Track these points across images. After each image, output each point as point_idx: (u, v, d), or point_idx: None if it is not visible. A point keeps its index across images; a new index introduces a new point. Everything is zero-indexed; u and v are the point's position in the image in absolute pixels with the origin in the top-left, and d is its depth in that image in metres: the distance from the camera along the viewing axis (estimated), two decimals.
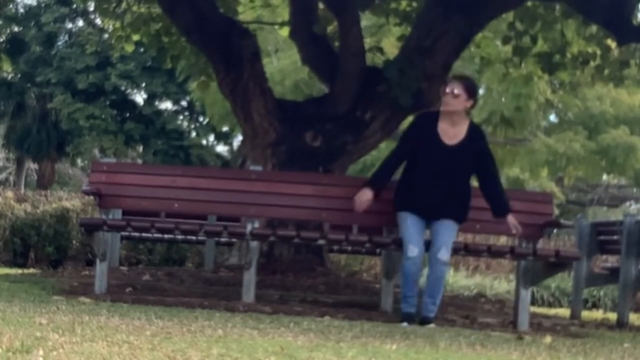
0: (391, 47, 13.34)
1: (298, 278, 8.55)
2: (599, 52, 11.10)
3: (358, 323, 5.86)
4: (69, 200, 14.31)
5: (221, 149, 33.69)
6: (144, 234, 9.64)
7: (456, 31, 9.31)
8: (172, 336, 4.30)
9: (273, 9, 13.88)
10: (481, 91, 20.36)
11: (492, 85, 18.24)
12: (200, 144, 32.11)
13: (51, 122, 31.37)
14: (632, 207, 32.26)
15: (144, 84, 30.46)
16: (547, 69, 11.35)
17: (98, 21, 28.48)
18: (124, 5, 11.52)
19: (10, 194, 15.24)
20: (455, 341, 5.12)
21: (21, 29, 31.73)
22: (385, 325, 5.85)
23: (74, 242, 13.54)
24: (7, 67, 32.12)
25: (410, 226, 6.40)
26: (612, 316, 9.68)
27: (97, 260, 6.82)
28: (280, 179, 7.41)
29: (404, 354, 4.28)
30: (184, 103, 31.40)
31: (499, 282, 13.65)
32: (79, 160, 38.43)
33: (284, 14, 12.51)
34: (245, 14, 12.77)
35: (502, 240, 14.34)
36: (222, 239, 9.84)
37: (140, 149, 33.57)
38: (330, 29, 10.30)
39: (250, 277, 6.70)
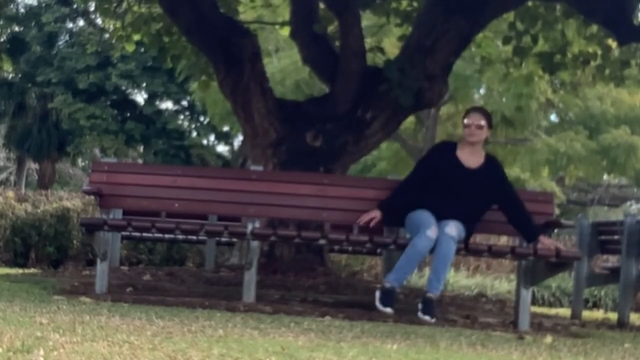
0: (392, 47, 13.36)
1: (299, 278, 8.55)
2: (599, 52, 11.10)
3: (359, 323, 5.86)
4: (70, 200, 14.31)
5: (222, 148, 33.73)
6: (144, 234, 9.64)
7: (457, 31, 9.31)
8: (173, 336, 4.30)
9: (274, 8, 13.89)
10: (482, 91, 20.39)
11: (493, 85, 18.26)
12: (200, 144, 32.12)
13: (52, 122, 31.38)
14: (633, 207, 32.26)
15: (144, 84, 30.47)
16: (547, 68, 11.35)
17: (99, 21, 28.52)
18: (124, 5, 11.52)
19: (11, 193, 15.24)
20: (456, 341, 5.12)
21: (22, 28, 31.74)
22: (386, 325, 5.85)
23: (75, 241, 13.55)
24: (8, 67, 32.13)
25: (427, 215, 6.49)
26: (613, 316, 9.67)
27: (98, 260, 6.82)
28: (280, 179, 7.41)
29: (404, 354, 4.28)
30: (184, 103, 31.41)
31: (500, 282, 13.64)
32: (79, 160, 38.45)
33: (285, 13, 12.51)
34: (245, 14, 12.79)
35: (503, 240, 14.34)
36: (223, 239, 9.84)
37: (141, 148, 33.57)
38: (330, 28, 10.30)
39: (250, 277, 6.70)
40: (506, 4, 9.98)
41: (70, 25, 32.21)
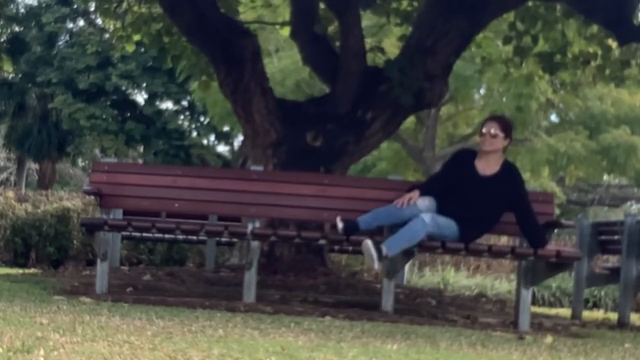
0: (392, 47, 13.36)
1: (299, 278, 8.55)
2: (599, 52, 11.10)
3: (359, 323, 5.86)
4: (70, 200, 14.32)
5: (222, 149, 33.71)
6: (144, 234, 9.65)
7: (457, 31, 9.31)
8: (173, 336, 4.30)
9: (274, 8, 13.89)
10: (482, 91, 20.40)
11: (493, 85, 18.27)
12: (201, 144, 32.10)
13: (52, 122, 31.38)
14: (633, 207, 32.25)
15: (144, 84, 30.46)
16: (548, 69, 11.35)
17: (99, 21, 28.52)
18: (124, 5, 11.52)
19: (11, 194, 15.24)
20: (456, 341, 5.12)
21: (22, 29, 31.73)
22: (386, 326, 5.85)
23: (75, 242, 13.55)
24: (8, 67, 32.13)
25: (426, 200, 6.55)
26: (613, 316, 9.67)
27: (98, 260, 6.82)
28: (281, 179, 7.41)
29: (404, 354, 4.28)
30: (184, 103, 31.40)
31: (500, 282, 13.64)
32: (79, 160, 38.46)
33: (285, 13, 12.51)
34: (246, 14, 12.79)
35: (503, 240, 14.34)
36: (223, 239, 9.85)
37: (141, 149, 33.57)
38: (331, 29, 10.30)
39: (251, 277, 6.70)
40: (506, 4, 9.98)
41: (70, 25, 32.21)
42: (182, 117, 32.27)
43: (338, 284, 8.48)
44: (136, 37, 11.85)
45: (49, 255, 13.39)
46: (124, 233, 9.52)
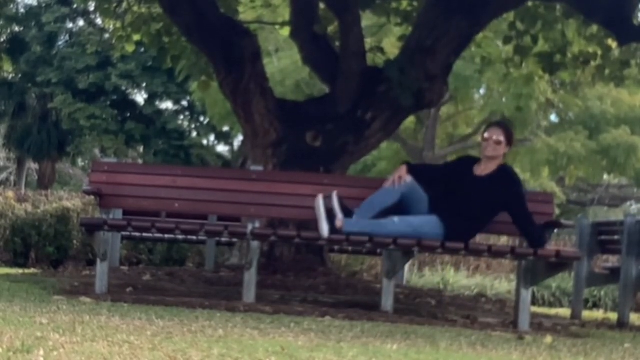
0: (392, 47, 13.35)
1: (299, 278, 8.55)
2: (599, 52, 11.09)
3: (359, 323, 5.86)
4: (70, 200, 14.32)
5: (222, 149, 33.69)
6: (144, 234, 9.64)
7: (457, 31, 9.31)
8: (173, 336, 4.30)
9: (274, 8, 13.89)
10: (482, 91, 20.40)
11: (493, 85, 18.26)
12: (200, 144, 32.09)
13: (52, 122, 31.37)
14: (633, 207, 32.25)
15: (144, 84, 30.45)
16: (548, 69, 11.35)
17: (99, 21, 28.51)
18: (124, 5, 11.52)
19: (10, 193, 15.25)
20: (456, 341, 5.12)
21: (22, 29, 31.72)
22: (386, 326, 5.85)
23: (75, 242, 13.55)
24: (8, 67, 32.12)
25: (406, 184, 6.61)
26: (613, 316, 9.67)
27: (98, 260, 6.81)
28: (281, 179, 7.41)
29: (404, 354, 4.28)
30: (184, 103, 31.39)
31: (500, 282, 13.64)
32: (79, 160, 38.43)
33: (285, 13, 12.51)
34: (245, 14, 12.79)
35: (503, 240, 14.34)
36: (223, 239, 9.84)
37: (141, 149, 33.56)
38: (331, 29, 10.30)
39: (251, 277, 6.69)
40: (506, 4, 9.98)
41: (70, 25, 32.20)
42: (182, 117, 32.27)
43: (338, 284, 8.48)
44: (136, 37, 11.84)
45: (48, 255, 13.39)
46: (123, 233, 9.52)
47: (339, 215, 6.50)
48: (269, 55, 17.56)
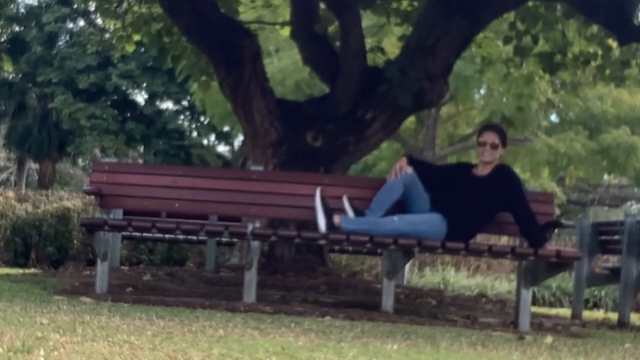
0: (392, 47, 13.35)
1: (299, 278, 8.55)
2: (600, 52, 11.09)
3: (359, 323, 5.86)
4: (70, 200, 14.32)
5: (222, 149, 33.71)
6: (145, 234, 9.64)
7: (457, 31, 9.31)
8: (173, 336, 4.30)
9: (274, 8, 13.89)
10: (482, 91, 20.40)
11: (493, 85, 18.27)
12: (201, 144, 32.11)
13: (52, 122, 31.38)
14: (633, 207, 32.26)
15: (144, 84, 30.47)
16: (548, 69, 11.35)
17: (99, 21, 28.51)
18: (125, 5, 11.52)
19: (11, 193, 15.25)
20: (457, 341, 5.12)
21: (22, 28, 31.74)
22: (386, 326, 5.85)
23: (75, 242, 13.55)
24: (8, 67, 32.11)
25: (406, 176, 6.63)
26: (613, 316, 9.67)
27: (98, 260, 6.81)
28: (281, 179, 7.41)
29: (404, 354, 4.28)
30: (184, 103, 31.41)
31: (500, 282, 13.65)
32: (79, 160, 38.45)
33: (285, 13, 12.51)
34: (246, 14, 12.78)
35: (504, 240, 14.34)
36: (223, 239, 9.84)
37: (141, 148, 33.57)
38: (331, 29, 10.30)
39: (251, 277, 6.69)
40: (507, 4, 9.98)
41: (70, 25, 32.22)
42: (182, 117, 32.29)
43: (338, 284, 8.48)
44: (136, 37, 11.85)
45: (49, 255, 13.39)
46: (124, 233, 9.51)
47: (350, 214, 6.50)
48: (269, 55, 17.56)
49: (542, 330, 6.58)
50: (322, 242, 7.21)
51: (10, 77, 32.76)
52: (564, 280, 13.52)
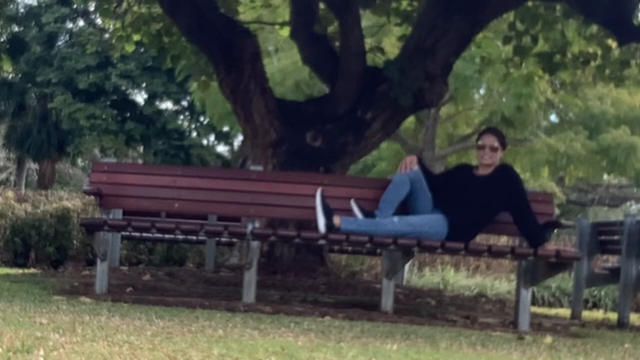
0: (392, 47, 13.37)
1: (299, 278, 8.55)
2: (599, 52, 11.10)
3: (359, 323, 5.86)
4: (70, 200, 14.32)
5: (222, 149, 33.70)
6: (144, 234, 9.65)
7: (457, 31, 9.31)
8: (173, 336, 4.30)
9: (273, 9, 13.89)
10: (482, 91, 20.40)
11: (493, 85, 18.27)
12: (200, 144, 32.10)
13: (52, 122, 31.36)
14: (633, 207, 32.25)
15: (144, 84, 30.45)
16: (547, 69, 11.35)
17: (99, 21, 28.49)
18: (124, 5, 11.53)
19: (10, 193, 15.25)
20: (456, 341, 5.12)
21: (22, 29, 31.72)
22: (385, 326, 5.85)
23: (75, 242, 13.55)
24: (8, 67, 32.12)
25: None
26: (613, 316, 9.67)
27: (98, 260, 6.81)
28: (280, 179, 7.41)
29: (404, 354, 4.28)
30: (184, 103, 31.39)
31: (500, 282, 13.64)
32: (79, 160, 38.45)
33: (285, 14, 12.52)
34: (245, 14, 12.79)
35: (503, 240, 14.34)
36: (223, 239, 9.85)
37: (141, 149, 33.56)
38: (331, 29, 10.31)
39: (250, 277, 6.69)
40: (506, 4, 9.98)
41: (70, 25, 32.19)
42: (181, 117, 32.27)
43: (338, 284, 8.48)
44: (136, 37, 11.85)
45: (48, 255, 13.39)
46: (123, 233, 9.52)
47: (359, 216, 6.51)
48: (269, 55, 17.57)
49: (542, 330, 6.59)
50: (322, 242, 7.21)
51: (10, 77, 32.75)
52: (563, 280, 13.52)
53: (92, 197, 9.51)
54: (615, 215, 29.13)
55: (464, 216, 6.62)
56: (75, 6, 29.77)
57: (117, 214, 8.45)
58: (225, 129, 26.94)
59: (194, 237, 9.94)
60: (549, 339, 5.70)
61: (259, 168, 8.55)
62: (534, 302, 10.77)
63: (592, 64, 11.19)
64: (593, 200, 28.76)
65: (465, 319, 6.88)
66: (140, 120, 30.64)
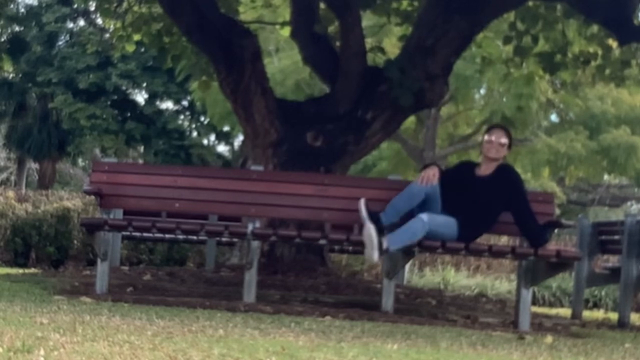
0: (392, 47, 13.36)
1: (299, 278, 8.55)
2: (600, 52, 11.10)
3: (359, 323, 5.86)
4: (70, 200, 14.32)
5: (222, 148, 33.69)
6: (145, 234, 9.64)
7: (457, 31, 9.31)
8: (173, 336, 4.30)
9: (274, 8, 13.89)
10: (482, 91, 20.40)
11: (494, 85, 18.25)
12: (201, 144, 32.09)
13: (52, 122, 31.36)
14: (634, 207, 32.23)
15: (144, 84, 30.44)
16: (548, 68, 11.35)
17: (99, 21, 28.48)
18: (125, 5, 11.53)
19: (11, 193, 15.25)
20: (457, 341, 5.12)
21: (22, 28, 31.71)
22: (386, 325, 5.85)
23: (75, 242, 13.55)
24: (8, 67, 32.11)
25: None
26: (613, 316, 9.67)
27: (98, 260, 6.82)
28: (281, 179, 7.41)
29: (405, 354, 4.28)
30: (185, 103, 31.38)
31: (500, 282, 13.63)
32: (80, 160, 38.44)
33: (285, 13, 12.51)
34: (246, 14, 12.79)
35: (504, 240, 14.34)
36: (223, 239, 9.84)
37: (141, 148, 33.55)
38: (331, 29, 10.30)
39: (251, 277, 6.70)
40: (507, 4, 9.98)
41: (70, 25, 32.19)
42: (182, 117, 32.26)
43: (338, 284, 8.48)
44: (136, 37, 11.85)
45: (49, 255, 13.39)
46: (124, 233, 9.51)
47: (367, 223, 6.45)
48: (269, 55, 17.55)
49: (542, 330, 6.59)
50: (322, 242, 7.22)
51: (10, 77, 32.74)
52: (564, 280, 13.52)
53: (93, 197, 9.50)
54: (615, 215, 29.10)
55: (471, 218, 6.64)
56: (75, 6, 29.74)
57: (118, 214, 8.45)
58: (226, 128, 26.93)
59: (195, 237, 9.93)
60: (549, 339, 5.70)
61: (260, 168, 8.55)
62: (534, 302, 10.76)
63: (593, 63, 11.19)
64: (593, 200, 28.74)
65: (465, 319, 6.88)
66: (141, 120, 30.63)
